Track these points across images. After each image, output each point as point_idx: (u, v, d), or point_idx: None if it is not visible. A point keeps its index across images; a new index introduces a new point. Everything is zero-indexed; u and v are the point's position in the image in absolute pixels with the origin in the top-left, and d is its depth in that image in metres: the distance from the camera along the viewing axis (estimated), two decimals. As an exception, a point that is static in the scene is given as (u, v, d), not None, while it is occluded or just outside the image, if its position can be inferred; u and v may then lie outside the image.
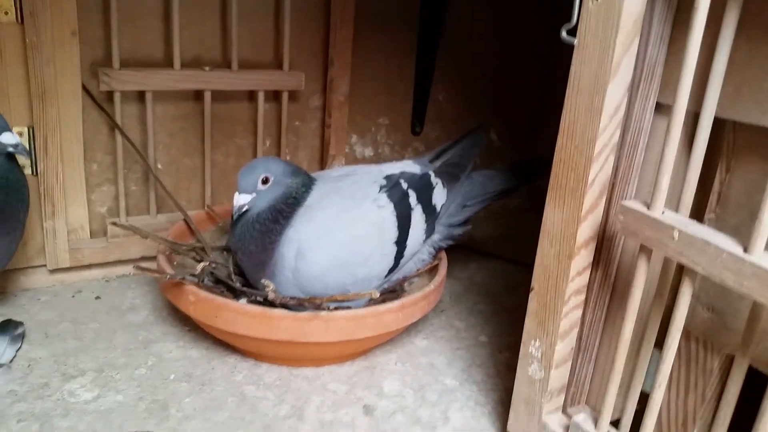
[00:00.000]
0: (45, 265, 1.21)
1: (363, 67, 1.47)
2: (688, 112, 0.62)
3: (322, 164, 1.50)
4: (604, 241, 0.75)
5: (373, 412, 0.97)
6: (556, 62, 1.73)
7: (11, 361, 1.00)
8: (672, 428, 0.77)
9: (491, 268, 1.51)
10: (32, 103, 1.11)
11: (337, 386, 1.02)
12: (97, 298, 1.22)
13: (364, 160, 1.58)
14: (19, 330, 1.07)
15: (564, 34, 0.70)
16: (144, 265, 1.07)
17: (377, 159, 1.60)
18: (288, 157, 1.45)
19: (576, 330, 0.79)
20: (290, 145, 1.45)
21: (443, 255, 1.17)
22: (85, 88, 1.18)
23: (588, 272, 0.76)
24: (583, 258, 0.74)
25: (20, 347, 1.04)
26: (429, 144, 1.66)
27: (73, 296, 1.22)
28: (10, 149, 0.94)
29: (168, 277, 0.96)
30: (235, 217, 1.01)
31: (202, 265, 0.98)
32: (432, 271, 1.16)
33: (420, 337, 1.19)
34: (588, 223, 0.72)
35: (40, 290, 1.23)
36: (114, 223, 1.13)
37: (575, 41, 0.69)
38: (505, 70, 1.70)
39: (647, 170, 0.74)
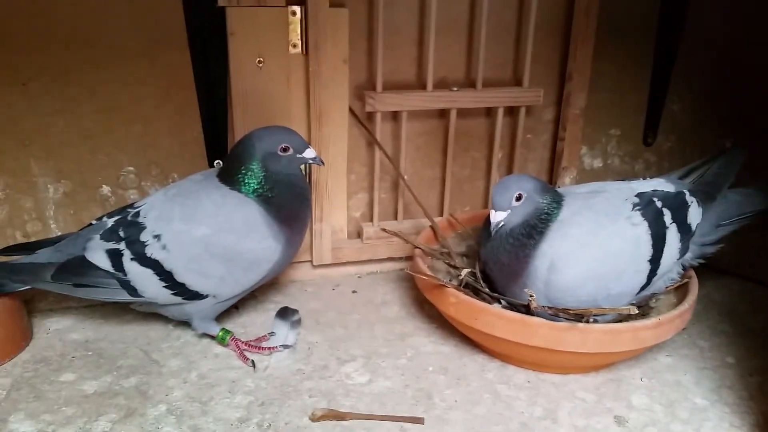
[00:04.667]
0: (310, 261, 1.40)
1: (597, 80, 1.49)
2: None
3: (551, 176, 1.55)
4: None
5: (625, 423, 1.00)
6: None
7: (295, 343, 1.18)
8: None
9: (728, 286, 1.44)
10: (310, 123, 1.28)
11: (585, 395, 1.06)
12: (354, 292, 1.38)
13: (593, 172, 1.59)
14: (296, 316, 1.24)
15: None
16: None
17: (606, 170, 1.60)
18: (517, 169, 1.51)
19: None
20: (520, 158, 1.51)
21: (692, 273, 1.16)
22: (350, 109, 1.34)
23: None
24: None
25: (299, 332, 1.22)
26: (661, 155, 1.62)
27: (333, 289, 1.39)
28: (311, 161, 1.12)
29: (441, 279, 1.07)
30: (493, 232, 1.09)
31: (465, 271, 1.08)
32: (677, 288, 1.15)
33: (663, 354, 1.18)
34: None
35: (306, 282, 1.41)
36: (384, 230, 1.28)
37: None
38: (749, 78, 1.60)
39: None
